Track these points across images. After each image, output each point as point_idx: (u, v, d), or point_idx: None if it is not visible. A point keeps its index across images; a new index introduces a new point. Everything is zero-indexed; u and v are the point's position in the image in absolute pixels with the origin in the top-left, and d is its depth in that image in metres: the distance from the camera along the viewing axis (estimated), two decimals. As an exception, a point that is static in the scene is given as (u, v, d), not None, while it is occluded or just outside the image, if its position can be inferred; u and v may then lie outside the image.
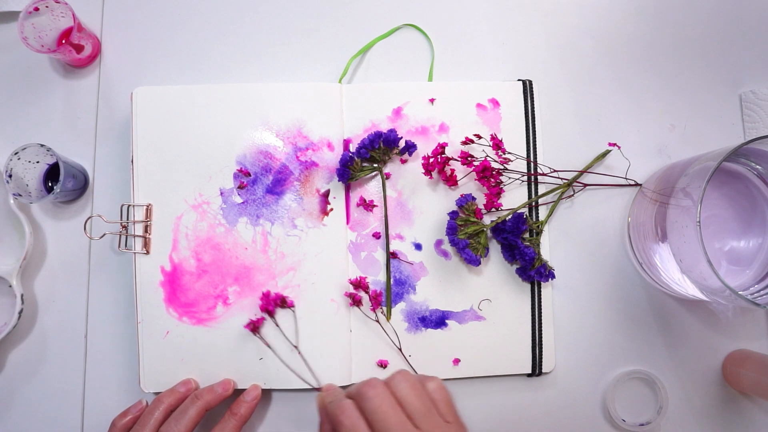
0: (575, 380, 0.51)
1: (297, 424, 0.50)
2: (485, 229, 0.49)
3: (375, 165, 0.50)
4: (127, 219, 0.49)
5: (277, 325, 0.48)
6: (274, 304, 0.48)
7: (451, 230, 0.48)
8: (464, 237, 0.48)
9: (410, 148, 0.50)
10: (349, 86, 0.52)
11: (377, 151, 0.49)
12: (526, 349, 0.50)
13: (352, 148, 0.51)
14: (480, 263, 0.49)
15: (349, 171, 0.49)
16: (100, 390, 0.50)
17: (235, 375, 0.48)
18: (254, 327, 0.48)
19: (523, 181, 0.52)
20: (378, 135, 0.49)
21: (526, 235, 0.51)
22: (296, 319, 0.49)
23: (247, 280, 0.49)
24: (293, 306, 0.49)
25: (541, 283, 0.51)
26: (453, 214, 0.49)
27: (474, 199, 0.50)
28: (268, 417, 0.50)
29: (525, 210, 0.51)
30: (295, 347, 0.48)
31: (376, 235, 0.51)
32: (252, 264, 0.49)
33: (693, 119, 0.55)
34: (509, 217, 0.49)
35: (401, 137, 0.50)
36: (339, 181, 0.50)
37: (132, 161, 0.49)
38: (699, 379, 0.52)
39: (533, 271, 0.49)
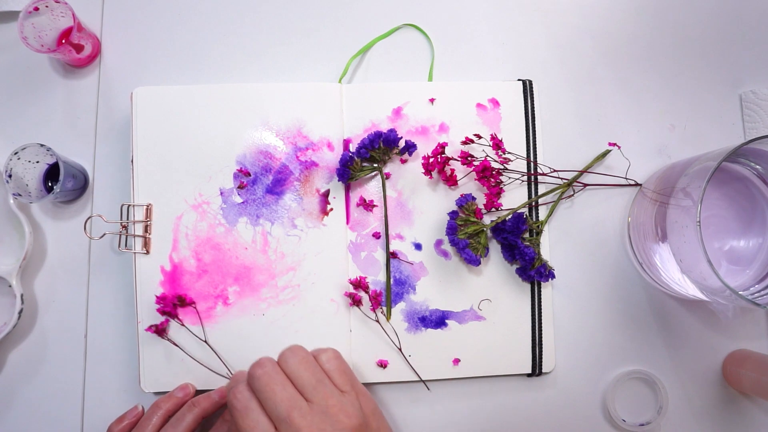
0: (575, 380, 0.51)
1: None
2: (485, 229, 0.49)
3: (375, 165, 0.50)
4: (127, 219, 0.49)
5: (183, 324, 0.48)
6: (172, 305, 0.48)
7: (451, 230, 0.48)
8: (464, 237, 0.48)
9: (410, 148, 0.50)
10: (349, 86, 0.52)
11: (377, 151, 0.49)
12: (526, 349, 0.50)
13: (352, 148, 0.51)
14: (480, 263, 0.49)
15: (349, 171, 0.49)
16: (100, 390, 0.50)
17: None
18: (158, 330, 0.47)
19: (523, 181, 0.52)
20: (378, 135, 0.49)
21: (526, 235, 0.51)
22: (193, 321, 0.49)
23: (247, 280, 0.49)
24: (194, 302, 0.48)
25: (541, 283, 0.51)
26: (453, 214, 0.49)
27: (474, 199, 0.50)
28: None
29: (525, 210, 0.51)
30: (204, 341, 0.48)
31: (376, 235, 0.51)
32: (252, 264, 0.49)
33: (693, 119, 0.55)
34: (509, 217, 0.49)
35: (401, 137, 0.50)
36: (339, 180, 0.50)
37: (132, 161, 0.49)
38: (699, 379, 0.52)
39: (533, 271, 0.49)
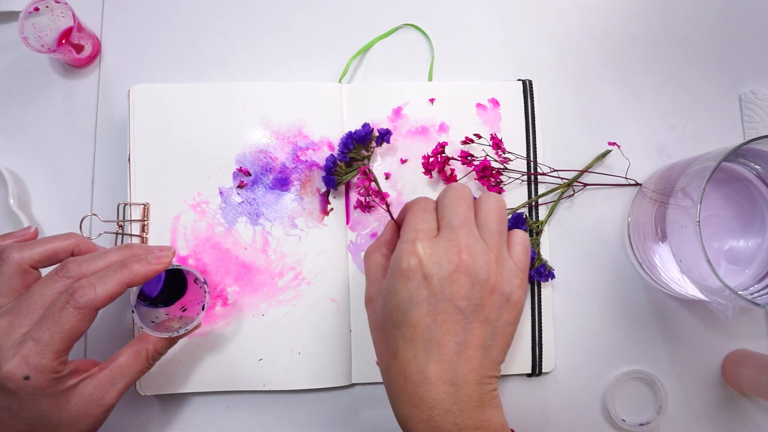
0: (575, 380, 0.51)
1: (297, 425, 0.50)
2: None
3: (357, 163, 0.50)
4: (124, 218, 0.49)
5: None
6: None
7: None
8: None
9: (385, 135, 0.50)
10: (349, 86, 0.52)
11: (354, 151, 0.49)
12: (526, 349, 0.50)
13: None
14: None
15: (334, 177, 0.49)
16: (99, 390, 0.50)
17: (233, 376, 0.48)
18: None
19: (523, 181, 0.52)
20: (349, 136, 0.49)
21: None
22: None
23: (247, 280, 0.49)
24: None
25: (541, 283, 0.51)
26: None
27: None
28: (268, 419, 0.50)
29: (525, 210, 0.51)
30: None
31: (374, 236, 0.51)
32: (251, 264, 0.49)
33: (693, 119, 0.55)
34: (509, 216, 0.49)
35: (372, 129, 0.50)
36: (327, 188, 0.50)
37: (129, 159, 0.49)
38: (699, 379, 0.52)
39: (533, 271, 0.49)
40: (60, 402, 0.36)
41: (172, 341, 0.42)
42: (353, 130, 0.49)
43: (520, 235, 0.40)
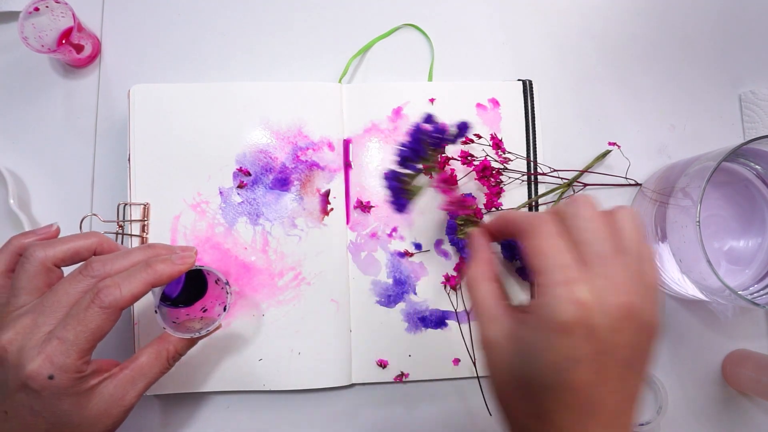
0: (575, 380, 0.51)
1: (297, 425, 0.50)
2: (485, 229, 0.49)
3: (421, 173, 0.43)
4: (124, 218, 0.49)
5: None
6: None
7: (451, 230, 0.48)
8: (464, 236, 0.48)
9: (463, 129, 0.41)
10: (349, 86, 0.52)
11: (426, 158, 0.40)
12: (526, 349, 0.50)
13: (352, 148, 0.51)
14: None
15: (406, 199, 0.41)
16: (99, 390, 0.50)
17: (233, 376, 0.48)
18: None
19: (523, 181, 0.52)
20: (417, 140, 0.38)
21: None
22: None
23: (247, 280, 0.49)
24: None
25: (541, 283, 0.51)
26: (453, 214, 0.49)
27: (474, 198, 0.50)
28: (268, 419, 0.50)
29: (525, 210, 0.51)
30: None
31: (374, 236, 0.51)
32: (252, 264, 0.49)
33: (693, 119, 0.55)
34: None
35: (442, 124, 0.40)
36: (400, 213, 0.43)
37: (129, 159, 0.49)
38: (699, 379, 0.52)
39: (533, 271, 0.49)
40: (82, 402, 0.35)
41: (192, 342, 0.42)
42: (421, 130, 0.39)
43: (650, 249, 0.33)
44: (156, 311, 0.39)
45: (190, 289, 0.45)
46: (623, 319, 0.29)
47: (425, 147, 0.38)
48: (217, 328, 0.42)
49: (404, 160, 0.39)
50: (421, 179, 0.39)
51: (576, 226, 0.31)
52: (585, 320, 0.28)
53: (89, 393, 0.36)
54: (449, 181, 0.38)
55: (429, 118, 0.40)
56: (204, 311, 0.44)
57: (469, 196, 0.49)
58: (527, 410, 0.31)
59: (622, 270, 0.30)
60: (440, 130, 0.39)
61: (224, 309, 0.41)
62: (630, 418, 0.30)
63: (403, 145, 0.39)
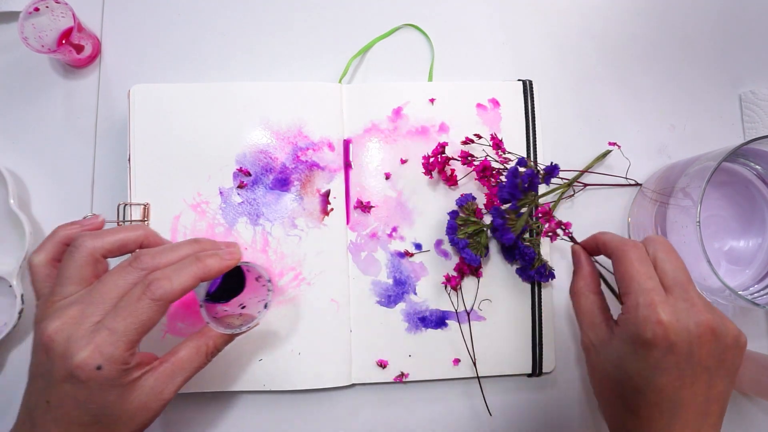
0: (575, 380, 0.51)
1: (297, 425, 0.50)
2: (485, 229, 0.49)
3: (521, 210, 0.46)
4: (124, 218, 0.49)
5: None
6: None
7: (451, 230, 0.48)
8: (464, 237, 0.48)
9: (553, 171, 0.46)
10: (349, 86, 0.52)
11: (522, 199, 0.45)
12: (526, 349, 0.50)
13: (353, 148, 0.51)
14: (480, 263, 0.49)
15: (512, 233, 0.45)
16: (99, 390, 0.50)
17: (233, 377, 0.48)
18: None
19: (523, 181, 0.52)
20: (512, 185, 0.43)
21: (527, 235, 0.51)
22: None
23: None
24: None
25: (541, 283, 0.51)
26: (453, 214, 0.49)
27: (474, 198, 0.50)
28: (268, 419, 0.50)
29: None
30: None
31: (374, 236, 0.51)
32: (252, 264, 0.49)
33: (693, 119, 0.55)
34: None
35: (534, 171, 0.45)
36: (506, 243, 0.46)
37: (129, 159, 0.49)
38: (699, 379, 0.52)
39: (533, 271, 0.49)
40: (124, 394, 0.35)
41: (231, 338, 0.41)
42: (514, 175, 0.44)
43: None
44: (201, 306, 0.39)
45: (228, 284, 0.45)
46: (704, 334, 0.35)
47: (520, 190, 0.45)
48: (256, 325, 0.42)
49: (503, 201, 0.46)
50: (522, 217, 0.46)
51: (658, 258, 0.38)
52: (666, 337, 0.35)
53: (132, 386, 0.36)
54: (549, 213, 0.45)
55: (522, 161, 0.45)
56: (242, 307, 0.43)
57: (469, 196, 0.49)
58: (622, 406, 0.38)
59: (696, 293, 0.36)
60: (531, 174, 0.45)
61: (265, 306, 0.41)
62: (716, 418, 0.36)
63: (501, 188, 0.45)
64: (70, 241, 0.38)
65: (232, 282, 0.44)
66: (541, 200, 0.52)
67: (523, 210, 0.46)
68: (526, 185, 0.44)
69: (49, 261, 0.38)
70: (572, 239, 0.45)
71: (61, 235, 0.39)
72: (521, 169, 0.44)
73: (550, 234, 0.47)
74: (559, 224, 0.46)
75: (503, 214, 0.45)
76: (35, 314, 0.37)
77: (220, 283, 0.43)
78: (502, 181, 0.51)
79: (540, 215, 0.46)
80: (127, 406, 0.35)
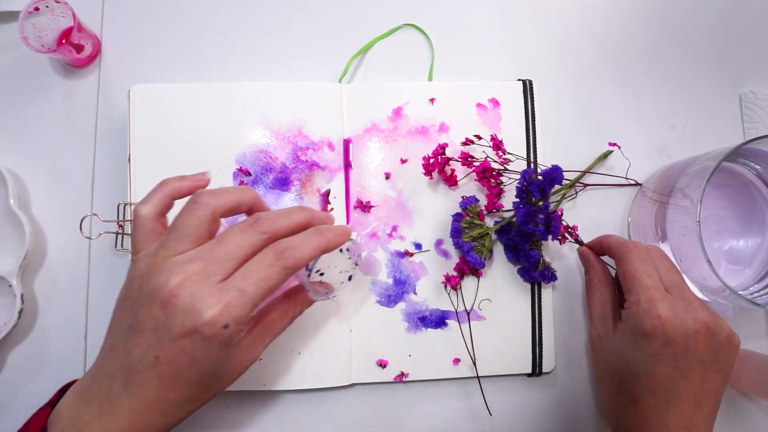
0: (575, 380, 0.51)
1: (297, 425, 0.50)
2: (490, 233, 0.49)
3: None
4: (124, 218, 0.49)
5: None
6: None
7: (456, 233, 0.48)
8: (469, 240, 0.48)
9: (555, 172, 0.45)
10: (349, 86, 0.52)
11: (537, 200, 0.46)
12: (527, 349, 0.50)
13: (353, 148, 0.51)
14: (484, 265, 0.49)
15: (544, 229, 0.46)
16: (99, 390, 0.50)
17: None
18: None
19: (523, 181, 0.52)
20: (526, 212, 0.45)
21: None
22: None
23: (247, 280, 0.49)
24: None
25: (542, 283, 0.51)
26: (457, 217, 0.49)
27: (477, 201, 0.50)
28: (268, 419, 0.50)
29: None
30: None
31: (374, 236, 0.51)
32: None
33: (693, 119, 0.55)
34: (515, 218, 0.49)
35: (544, 182, 0.45)
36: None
37: (129, 159, 0.49)
38: (699, 379, 0.52)
39: (536, 273, 0.49)
40: (232, 353, 0.36)
41: (308, 305, 0.42)
42: (535, 180, 0.45)
43: None
44: (308, 273, 0.39)
45: None
46: (700, 330, 0.38)
47: (539, 190, 0.46)
48: (334, 296, 0.43)
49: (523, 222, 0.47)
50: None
51: (658, 260, 0.42)
52: (663, 330, 0.38)
53: (237, 345, 0.36)
54: (560, 219, 0.47)
55: (526, 174, 0.46)
56: (321, 275, 0.43)
57: (473, 198, 0.49)
58: (619, 391, 0.41)
59: (693, 296, 0.40)
60: (541, 183, 0.46)
61: (349, 279, 0.42)
62: (710, 409, 0.39)
63: (518, 209, 0.47)
64: (179, 195, 0.38)
65: None
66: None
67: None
68: (537, 194, 0.45)
69: (156, 214, 0.38)
70: (579, 242, 0.48)
71: (171, 188, 0.38)
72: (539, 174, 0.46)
73: (559, 238, 0.48)
74: (567, 228, 0.48)
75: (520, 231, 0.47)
76: (137, 268, 0.36)
77: None
78: (502, 182, 0.51)
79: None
80: (229, 365, 0.36)
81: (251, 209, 0.39)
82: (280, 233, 0.37)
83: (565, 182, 0.52)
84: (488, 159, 0.50)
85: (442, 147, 0.50)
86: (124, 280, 0.37)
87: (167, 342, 0.33)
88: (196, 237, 0.36)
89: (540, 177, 0.45)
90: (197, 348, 0.34)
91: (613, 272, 0.47)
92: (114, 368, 0.35)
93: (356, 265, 0.43)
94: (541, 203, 0.46)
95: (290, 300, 0.41)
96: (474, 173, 0.50)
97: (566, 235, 0.48)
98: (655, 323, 0.38)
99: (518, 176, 0.51)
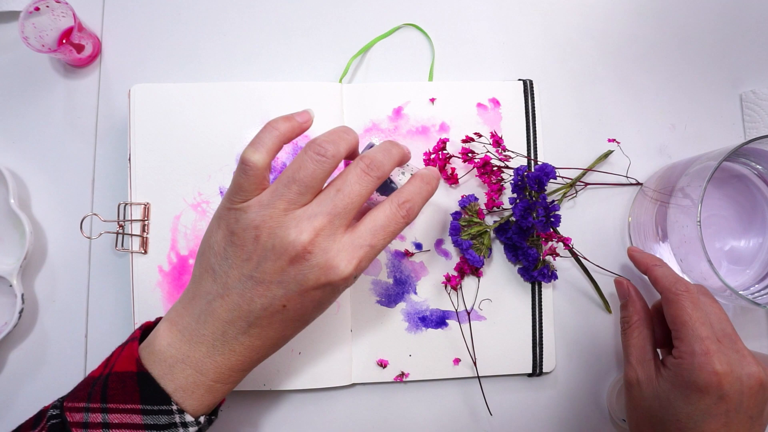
0: (575, 380, 0.51)
1: (297, 425, 0.50)
2: (489, 230, 0.49)
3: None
4: (124, 218, 0.49)
5: None
6: None
7: (455, 231, 0.48)
8: (468, 238, 0.48)
9: (549, 174, 0.46)
10: (349, 86, 0.52)
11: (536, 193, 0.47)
12: (527, 349, 0.50)
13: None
14: (483, 264, 0.49)
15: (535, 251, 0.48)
16: (100, 390, 0.50)
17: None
18: None
19: (523, 181, 0.52)
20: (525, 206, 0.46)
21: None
22: None
23: (247, 279, 0.49)
24: None
25: (542, 282, 0.51)
26: (456, 215, 0.49)
27: (476, 199, 0.50)
28: (268, 419, 0.50)
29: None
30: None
31: (376, 235, 0.51)
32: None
33: (693, 119, 0.55)
34: (513, 215, 0.49)
35: (540, 174, 0.46)
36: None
37: (129, 159, 0.49)
38: (699, 379, 0.51)
39: (536, 272, 0.49)
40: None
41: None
42: (532, 174, 0.46)
43: None
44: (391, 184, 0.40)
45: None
46: (753, 386, 0.37)
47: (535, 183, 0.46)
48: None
49: (522, 217, 0.47)
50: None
51: (708, 304, 0.40)
52: (719, 386, 0.36)
53: None
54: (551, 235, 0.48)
55: (519, 171, 0.47)
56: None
57: (472, 197, 0.49)
58: None
59: (744, 346, 0.38)
60: (537, 176, 0.47)
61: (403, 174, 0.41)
62: None
63: (515, 206, 0.47)
64: (288, 139, 0.37)
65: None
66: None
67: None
68: (535, 187, 0.45)
69: (268, 162, 0.36)
70: (573, 253, 0.46)
71: (282, 132, 0.37)
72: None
73: (551, 254, 0.49)
74: (561, 239, 0.48)
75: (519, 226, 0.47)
76: (248, 218, 0.35)
77: None
78: (503, 179, 0.51)
79: (543, 237, 0.48)
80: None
81: (352, 148, 0.39)
82: (388, 173, 0.38)
83: (565, 181, 0.52)
84: (489, 154, 0.50)
85: (443, 142, 0.50)
86: (223, 227, 0.36)
87: (297, 293, 0.35)
88: (319, 189, 0.36)
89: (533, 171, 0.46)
90: (326, 296, 0.36)
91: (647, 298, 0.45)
92: (230, 315, 0.36)
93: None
94: (538, 196, 0.46)
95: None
96: (475, 169, 0.50)
97: (557, 251, 0.49)
98: (710, 379, 0.36)
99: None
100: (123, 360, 0.36)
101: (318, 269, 0.34)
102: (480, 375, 0.49)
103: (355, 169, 0.36)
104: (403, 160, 0.40)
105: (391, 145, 0.39)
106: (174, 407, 0.35)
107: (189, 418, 0.36)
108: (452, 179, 0.51)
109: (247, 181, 0.36)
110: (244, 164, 0.36)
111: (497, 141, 0.51)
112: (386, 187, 0.41)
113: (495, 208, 0.50)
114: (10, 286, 0.49)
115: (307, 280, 0.35)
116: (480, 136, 0.51)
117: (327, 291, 0.36)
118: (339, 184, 0.36)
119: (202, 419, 0.37)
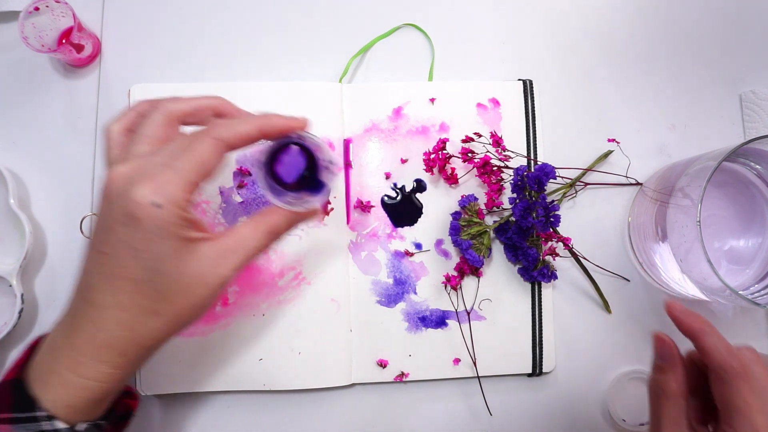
0: (575, 380, 0.51)
1: (297, 425, 0.50)
2: (488, 230, 0.49)
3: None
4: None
5: None
6: None
7: (455, 231, 0.48)
8: (467, 238, 0.48)
9: (548, 174, 0.46)
10: (349, 86, 0.52)
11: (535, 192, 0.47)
12: (527, 349, 0.50)
13: (353, 148, 0.51)
14: (483, 263, 0.49)
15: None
16: (99, 390, 0.50)
17: (233, 376, 0.48)
18: None
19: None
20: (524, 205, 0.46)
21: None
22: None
23: (247, 279, 0.49)
24: None
25: (542, 282, 0.51)
26: (456, 215, 0.49)
27: (476, 199, 0.50)
28: (268, 419, 0.50)
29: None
30: None
31: (374, 235, 0.51)
32: (252, 264, 0.49)
33: (693, 119, 0.55)
34: (513, 215, 0.49)
35: (540, 174, 0.46)
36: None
37: (132, 161, 0.49)
38: (699, 379, 0.52)
39: (536, 272, 0.49)
40: (181, 252, 0.33)
41: (290, 221, 0.38)
42: (531, 174, 0.46)
43: None
44: (260, 169, 0.37)
45: (310, 182, 0.41)
46: None
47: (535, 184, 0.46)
48: (316, 212, 0.39)
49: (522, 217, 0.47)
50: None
51: (765, 380, 0.35)
52: None
53: (189, 246, 0.33)
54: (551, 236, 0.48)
55: (519, 171, 0.47)
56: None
57: (471, 197, 0.49)
58: None
59: None
60: (537, 175, 0.47)
61: (322, 188, 0.38)
62: None
63: (515, 206, 0.47)
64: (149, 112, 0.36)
65: (313, 183, 0.40)
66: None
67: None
68: (535, 187, 0.45)
69: (124, 129, 0.36)
70: (573, 253, 0.46)
71: (142, 106, 0.37)
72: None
73: (550, 254, 0.48)
74: (560, 239, 0.47)
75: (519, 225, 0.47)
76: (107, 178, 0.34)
77: (299, 180, 0.40)
78: (502, 179, 0.51)
79: (543, 237, 0.48)
80: (183, 269, 0.33)
81: (218, 115, 0.38)
82: (232, 142, 0.34)
83: (565, 181, 0.52)
84: (488, 154, 0.50)
85: (443, 141, 0.50)
86: None
87: (109, 233, 0.32)
88: (153, 139, 0.34)
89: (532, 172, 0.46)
90: (134, 235, 0.32)
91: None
92: (77, 285, 0.34)
93: (331, 173, 0.38)
94: (538, 196, 0.46)
95: (261, 215, 0.37)
96: (474, 169, 0.50)
97: (557, 252, 0.48)
98: None
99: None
100: (12, 367, 0.35)
101: (118, 197, 0.32)
102: (480, 375, 0.49)
103: (198, 130, 0.35)
104: (268, 128, 0.36)
105: (257, 118, 0.36)
106: (41, 413, 0.33)
107: (60, 425, 0.33)
108: (452, 179, 0.51)
109: (107, 147, 0.37)
110: (104, 134, 0.37)
111: (497, 141, 0.51)
112: (280, 195, 0.38)
113: (495, 208, 0.50)
114: (10, 286, 0.49)
115: (112, 214, 0.32)
116: (480, 136, 0.51)
117: (132, 229, 0.32)
118: (175, 137, 0.36)
119: (81, 426, 0.34)
